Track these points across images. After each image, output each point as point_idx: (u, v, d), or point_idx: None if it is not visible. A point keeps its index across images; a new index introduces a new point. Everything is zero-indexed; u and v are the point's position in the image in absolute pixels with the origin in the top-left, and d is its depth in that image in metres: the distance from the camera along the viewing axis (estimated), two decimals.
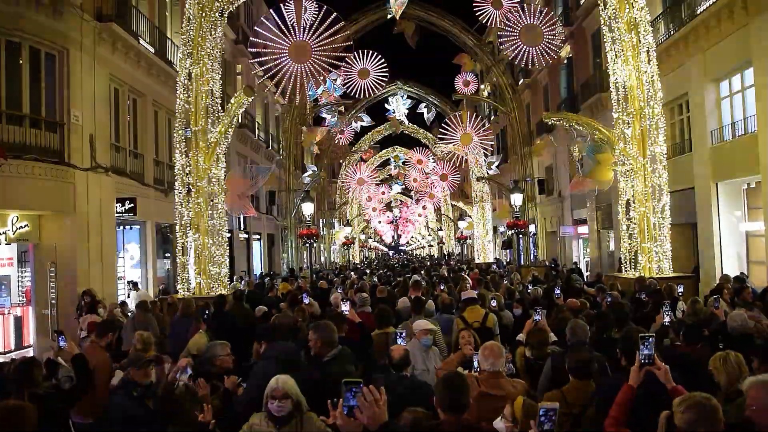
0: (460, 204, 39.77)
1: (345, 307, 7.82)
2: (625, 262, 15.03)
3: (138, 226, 18.88)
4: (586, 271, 24.89)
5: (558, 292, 10.44)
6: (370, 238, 70.58)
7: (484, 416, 4.09)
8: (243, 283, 19.62)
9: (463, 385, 3.67)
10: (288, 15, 14.44)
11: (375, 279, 19.46)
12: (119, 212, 16.47)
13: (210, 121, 14.11)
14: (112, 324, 7.44)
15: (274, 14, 14.40)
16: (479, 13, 19.39)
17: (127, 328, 9.48)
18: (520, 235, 21.36)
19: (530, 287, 12.77)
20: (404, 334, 6.30)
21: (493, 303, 9.39)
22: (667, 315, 7.43)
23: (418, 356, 6.08)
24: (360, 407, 2.62)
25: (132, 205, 16.56)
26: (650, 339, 3.90)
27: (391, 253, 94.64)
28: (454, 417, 3.50)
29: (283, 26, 14.19)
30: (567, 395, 4.52)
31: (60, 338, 5.72)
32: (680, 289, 10.38)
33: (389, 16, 24.98)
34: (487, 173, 31.49)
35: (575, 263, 24.32)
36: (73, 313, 13.43)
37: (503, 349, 4.85)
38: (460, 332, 6.68)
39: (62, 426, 5.02)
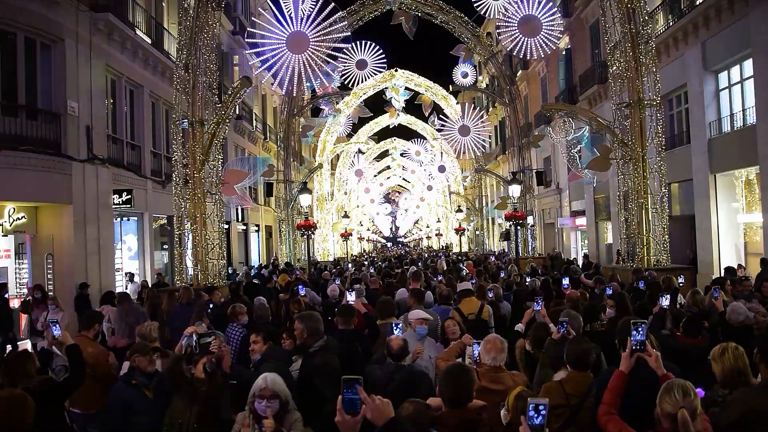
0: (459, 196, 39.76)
1: (351, 298, 7.78)
2: (623, 254, 15.03)
3: (135, 218, 18.84)
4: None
5: (566, 283, 10.42)
6: (368, 229, 70.56)
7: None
8: (242, 273, 19.61)
9: (466, 378, 3.66)
10: (286, 6, 14.37)
11: (372, 270, 19.45)
12: (116, 204, 16.42)
13: (207, 112, 14.05)
14: (97, 315, 7.37)
15: (271, 5, 14.33)
16: (477, 3, 19.32)
17: (114, 321, 9.45)
18: (519, 227, 21.32)
19: (528, 279, 12.74)
20: (401, 325, 6.29)
21: (490, 294, 9.38)
22: (667, 299, 7.42)
23: (413, 344, 6.10)
24: (366, 404, 2.64)
25: (129, 196, 16.51)
26: (642, 325, 3.90)
27: (389, 245, 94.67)
28: (456, 409, 3.49)
29: (280, 17, 14.13)
30: (565, 386, 4.51)
31: (54, 327, 5.64)
32: (681, 280, 10.36)
33: (387, 7, 24.87)
34: (484, 165, 31.48)
35: (586, 255, 24.24)
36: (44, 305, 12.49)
37: (505, 344, 4.83)
38: (444, 322, 6.68)
39: (58, 419, 4.99)
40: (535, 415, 2.73)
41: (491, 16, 20.31)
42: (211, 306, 9.83)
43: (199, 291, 11.10)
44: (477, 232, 43.86)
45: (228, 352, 4.78)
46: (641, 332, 3.86)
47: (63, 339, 5.49)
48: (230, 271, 19.65)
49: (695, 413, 3.28)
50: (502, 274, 15.46)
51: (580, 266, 19.20)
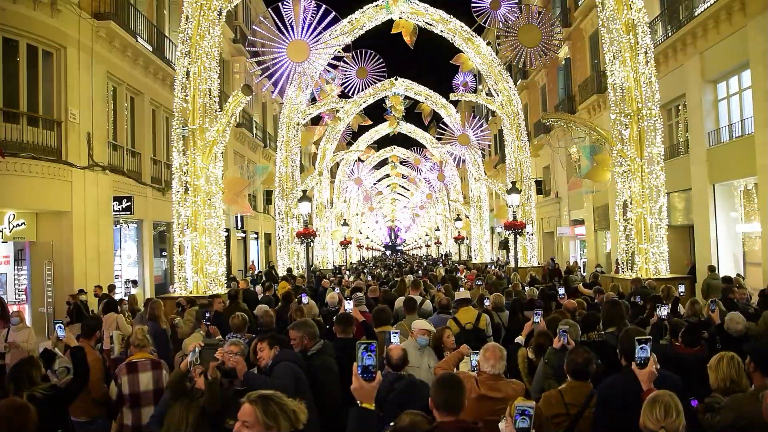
0: (458, 204, 39.77)
1: (348, 306, 7.77)
2: (622, 263, 15.04)
3: (135, 225, 18.84)
4: (584, 271, 24.89)
5: (562, 292, 10.33)
6: (367, 237, 70.58)
7: (483, 418, 4.10)
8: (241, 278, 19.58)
9: (457, 386, 3.66)
10: (286, 14, 14.45)
11: (369, 278, 19.45)
12: (116, 211, 16.43)
13: (208, 119, 14.09)
14: (98, 322, 7.36)
15: (272, 13, 14.38)
16: (478, 13, 19.42)
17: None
18: (518, 236, 21.30)
19: (527, 288, 12.73)
20: (398, 334, 6.29)
21: (486, 303, 9.38)
22: (665, 310, 7.42)
23: (413, 354, 6.12)
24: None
25: (129, 203, 16.53)
26: (647, 342, 3.92)
27: (388, 253, 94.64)
28: (450, 418, 3.49)
29: (281, 25, 14.19)
30: (565, 395, 4.52)
31: (58, 328, 5.64)
32: (681, 289, 10.35)
33: (389, 17, 24.92)
34: (485, 174, 31.52)
35: (598, 265, 24.10)
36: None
37: (504, 352, 4.84)
38: (443, 331, 6.67)
39: (62, 424, 5.00)
40: (521, 419, 2.79)
41: (491, 26, 20.41)
42: (207, 314, 9.79)
43: (191, 300, 11.07)
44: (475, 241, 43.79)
45: (242, 361, 4.76)
46: (645, 349, 3.89)
47: (67, 341, 5.50)
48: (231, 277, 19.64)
49: None
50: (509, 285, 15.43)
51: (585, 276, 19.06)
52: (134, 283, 17.16)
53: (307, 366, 5.43)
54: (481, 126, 28.18)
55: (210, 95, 14.23)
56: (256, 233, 32.84)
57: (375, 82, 26.54)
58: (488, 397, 4.52)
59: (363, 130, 36.45)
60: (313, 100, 26.92)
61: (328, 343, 5.97)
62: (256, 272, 26.20)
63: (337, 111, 29.22)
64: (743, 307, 8.84)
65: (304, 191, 23.12)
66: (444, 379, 3.75)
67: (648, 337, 4.00)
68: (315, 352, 5.66)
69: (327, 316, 9.82)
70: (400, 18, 21.92)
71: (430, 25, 22.34)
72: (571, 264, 26.42)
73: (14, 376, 4.77)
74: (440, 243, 55.86)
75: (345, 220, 38.75)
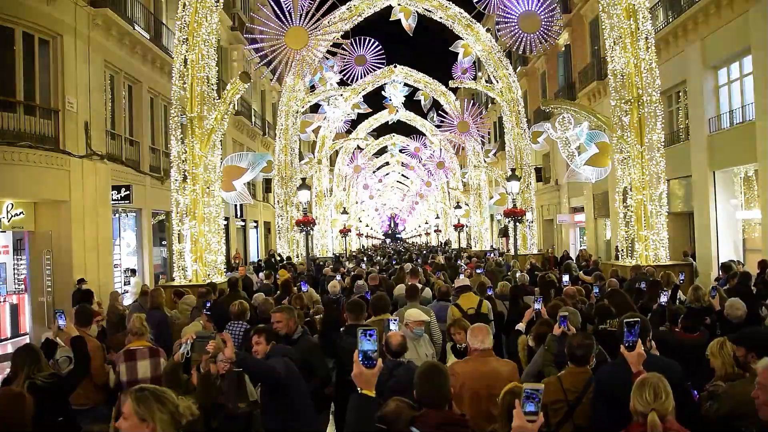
0: (458, 192, 39.71)
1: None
2: (622, 250, 15.02)
3: (134, 214, 18.81)
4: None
5: (566, 280, 10.30)
6: (367, 225, 70.54)
7: (479, 392, 4.14)
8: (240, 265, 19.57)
9: (440, 378, 3.62)
10: (284, 1, 14.35)
11: (364, 266, 19.46)
12: (115, 200, 16.39)
13: (206, 107, 14.02)
14: (91, 311, 7.33)
15: (270, 0, 14.27)
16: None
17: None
18: (517, 223, 21.28)
19: (518, 273, 12.73)
20: (398, 321, 6.28)
21: (489, 291, 9.39)
22: (664, 295, 7.41)
23: (409, 343, 6.13)
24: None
25: (128, 192, 16.49)
26: (636, 326, 3.90)
27: (387, 241, 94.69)
28: (435, 410, 3.47)
29: (279, 12, 14.10)
30: (564, 381, 4.51)
31: (59, 317, 5.61)
32: (681, 277, 10.33)
33: (387, 3, 24.74)
34: (484, 161, 31.43)
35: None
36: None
37: (489, 328, 4.95)
38: (450, 329, 6.71)
39: (62, 413, 4.99)
40: (528, 402, 2.74)
41: (491, 12, 20.25)
42: (208, 303, 9.78)
43: (183, 289, 11.05)
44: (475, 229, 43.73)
45: (230, 339, 4.73)
46: (634, 332, 3.88)
47: (68, 330, 5.48)
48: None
49: (666, 414, 3.29)
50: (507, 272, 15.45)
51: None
52: (133, 272, 17.14)
53: (294, 349, 5.63)
54: (481, 113, 28.09)
55: (208, 83, 14.15)
56: (256, 222, 32.81)
57: (374, 70, 26.40)
58: (480, 371, 4.62)
59: (362, 118, 36.32)
60: (312, 88, 26.77)
61: (305, 327, 6.58)
62: (248, 262, 26.01)
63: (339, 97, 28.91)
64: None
65: (303, 179, 23.09)
66: (426, 372, 3.70)
67: (636, 320, 3.97)
68: (299, 335, 6.07)
69: (328, 304, 9.82)
70: (399, 4, 21.79)
71: (429, 11, 22.20)
72: (582, 251, 26.39)
73: (17, 364, 4.75)
74: (440, 231, 55.81)
75: (345, 208, 38.68)
